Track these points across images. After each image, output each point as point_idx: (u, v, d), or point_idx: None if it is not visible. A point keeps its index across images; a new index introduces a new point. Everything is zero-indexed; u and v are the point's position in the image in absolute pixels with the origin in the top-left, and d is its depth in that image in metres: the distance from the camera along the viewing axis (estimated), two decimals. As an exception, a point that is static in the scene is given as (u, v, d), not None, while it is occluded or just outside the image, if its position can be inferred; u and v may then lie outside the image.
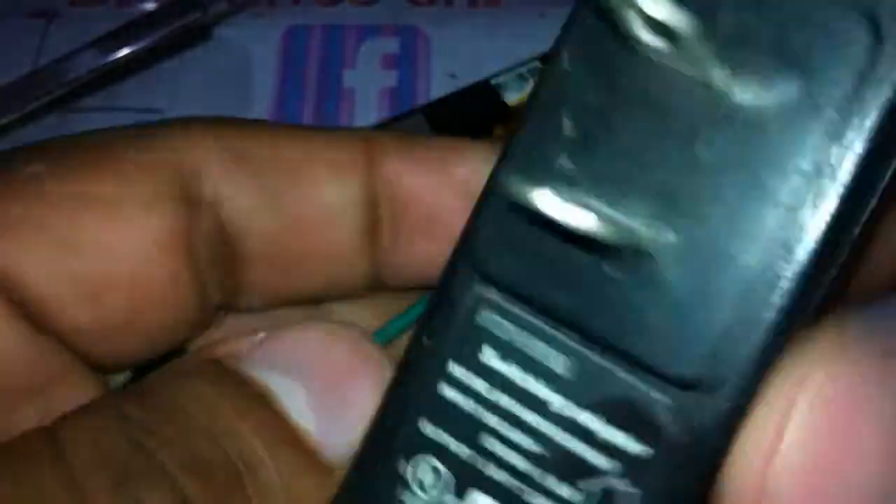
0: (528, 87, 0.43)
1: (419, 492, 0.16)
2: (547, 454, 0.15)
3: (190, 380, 0.18)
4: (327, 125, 0.46)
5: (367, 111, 0.46)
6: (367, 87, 0.47)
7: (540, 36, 0.47)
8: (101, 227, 0.19)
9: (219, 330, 0.21)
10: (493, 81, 0.43)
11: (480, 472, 0.16)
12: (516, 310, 0.16)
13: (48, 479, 0.16)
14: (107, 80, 0.46)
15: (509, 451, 0.16)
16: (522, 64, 0.44)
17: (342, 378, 0.19)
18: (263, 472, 0.17)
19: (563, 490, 0.15)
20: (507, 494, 0.16)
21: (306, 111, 0.46)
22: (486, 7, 0.50)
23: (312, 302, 0.22)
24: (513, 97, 0.43)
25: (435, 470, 0.16)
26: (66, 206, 0.19)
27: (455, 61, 0.48)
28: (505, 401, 0.16)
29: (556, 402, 0.15)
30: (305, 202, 0.20)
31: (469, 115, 0.43)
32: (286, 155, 0.20)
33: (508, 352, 0.16)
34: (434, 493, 0.16)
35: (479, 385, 0.16)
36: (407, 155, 0.21)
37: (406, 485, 0.16)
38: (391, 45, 0.48)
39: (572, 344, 0.15)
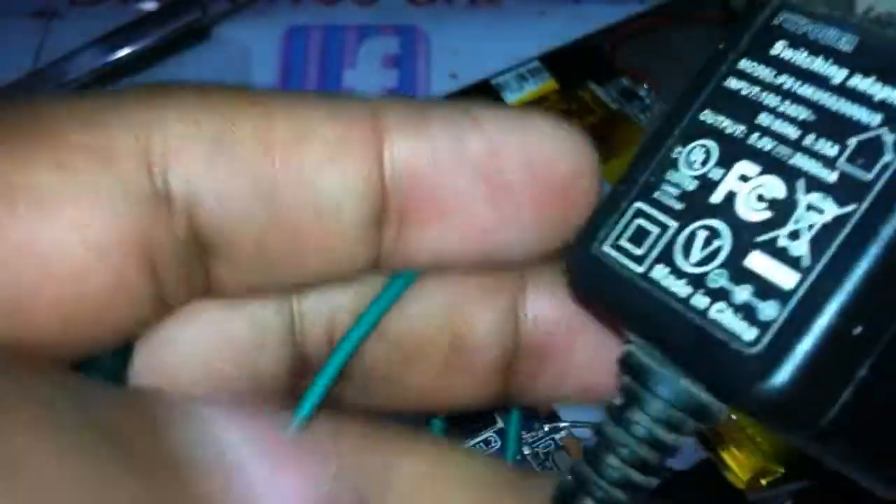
0: (528, 86, 0.43)
1: (686, 169, 0.19)
2: (819, 121, 0.18)
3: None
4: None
5: (367, 111, 0.46)
6: (367, 87, 0.47)
7: (540, 36, 0.47)
8: (30, 227, 0.16)
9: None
10: (493, 81, 0.43)
11: (750, 146, 0.18)
12: (812, 5, 0.19)
13: None
14: (107, 80, 0.46)
15: (783, 123, 0.18)
16: (522, 64, 0.44)
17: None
18: None
19: (828, 148, 0.17)
20: (771, 159, 0.18)
21: (306, 111, 0.46)
22: (486, 7, 0.50)
23: (300, 291, 0.19)
24: (513, 97, 0.43)
25: (706, 150, 0.19)
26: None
27: (455, 61, 0.48)
28: (788, 82, 0.18)
29: (839, 75, 0.18)
30: (299, 194, 0.17)
31: (469, 115, 0.43)
32: (277, 135, 0.17)
33: (799, 40, 0.19)
34: (702, 168, 0.19)
35: (765, 73, 0.19)
36: (418, 129, 0.18)
37: (676, 165, 0.19)
38: (391, 45, 0.49)
39: (858, 22, 0.18)
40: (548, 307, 0.20)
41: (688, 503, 0.32)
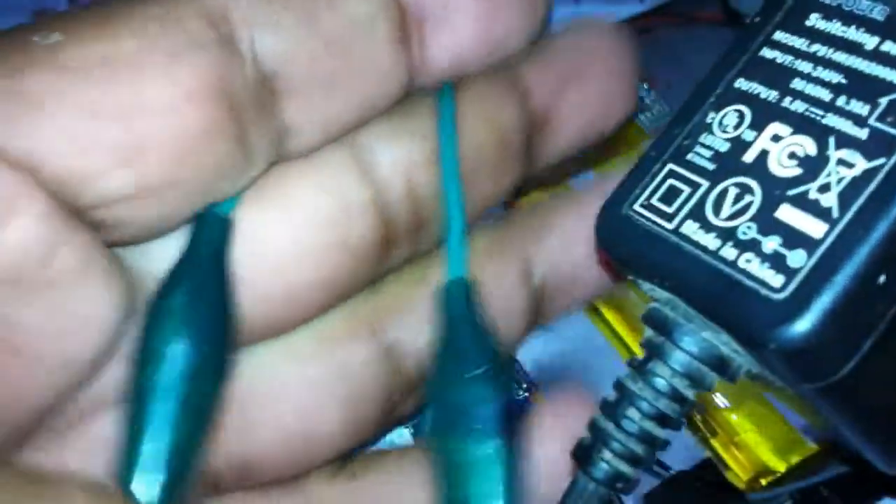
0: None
1: (720, 133, 0.20)
2: (851, 83, 0.19)
3: None
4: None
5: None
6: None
7: (540, 36, 0.47)
8: (127, 90, 0.18)
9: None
10: (493, 81, 0.43)
11: (783, 109, 0.20)
12: None
13: None
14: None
15: (816, 87, 0.19)
16: (522, 64, 0.44)
17: None
18: None
19: (859, 108, 0.19)
20: (803, 120, 0.19)
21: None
22: (486, 7, 0.50)
23: (359, 124, 0.21)
24: (513, 97, 0.43)
25: (740, 114, 0.20)
26: (89, 72, 0.18)
27: (455, 61, 0.48)
28: (822, 50, 0.20)
29: (871, 42, 0.19)
30: (335, 19, 0.20)
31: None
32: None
33: (833, 12, 0.20)
34: (735, 131, 0.20)
35: (799, 42, 0.20)
36: None
37: (709, 129, 0.20)
38: (391, 45, 0.48)
39: None
40: (542, 79, 0.23)
41: (688, 503, 0.32)
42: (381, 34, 0.20)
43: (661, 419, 0.20)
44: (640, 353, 0.35)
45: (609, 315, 0.36)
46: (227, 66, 0.19)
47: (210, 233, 0.20)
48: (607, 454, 0.20)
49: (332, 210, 0.21)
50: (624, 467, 0.20)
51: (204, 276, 0.20)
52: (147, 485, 0.19)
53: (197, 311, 0.20)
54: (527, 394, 0.34)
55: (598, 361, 0.36)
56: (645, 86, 0.43)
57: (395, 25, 0.20)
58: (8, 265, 0.17)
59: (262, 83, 0.19)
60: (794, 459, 0.32)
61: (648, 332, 0.21)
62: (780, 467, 0.32)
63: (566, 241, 0.24)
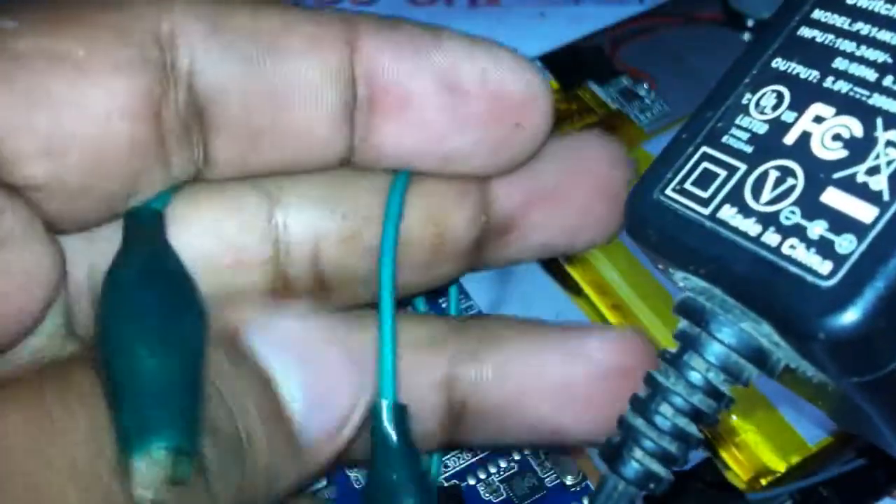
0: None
1: (757, 114, 0.19)
2: None
3: (215, 351, 0.19)
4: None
5: (367, 111, 0.46)
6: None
7: (540, 36, 0.47)
8: (67, 86, 0.19)
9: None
10: (493, 81, 0.43)
11: (825, 89, 0.19)
12: None
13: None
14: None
15: (860, 66, 0.19)
16: (522, 64, 0.44)
17: (331, 376, 0.21)
18: (258, 445, 0.19)
19: None
20: (847, 100, 0.18)
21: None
22: (486, 7, 0.50)
23: (283, 174, 0.22)
24: (513, 97, 0.43)
25: (778, 94, 0.19)
26: (36, 62, 0.19)
27: (455, 61, 0.48)
28: (865, 28, 0.19)
29: None
30: (282, 74, 0.20)
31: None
32: (264, 25, 0.20)
33: None
34: (773, 113, 0.19)
35: (840, 21, 0.19)
36: (387, 37, 0.21)
37: (745, 110, 0.19)
38: (391, 45, 0.48)
39: None
40: (510, 190, 0.23)
41: (688, 503, 0.32)
42: (326, 105, 0.21)
43: (696, 415, 0.19)
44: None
45: (609, 314, 0.36)
46: (163, 89, 0.19)
47: (142, 227, 0.20)
48: (638, 453, 0.19)
49: (231, 235, 0.21)
50: (656, 466, 0.19)
51: (142, 265, 0.20)
52: (151, 455, 0.18)
53: (144, 290, 0.20)
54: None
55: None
56: (645, 86, 0.43)
57: (342, 101, 0.21)
58: None
59: (193, 113, 0.20)
60: (794, 459, 0.32)
61: (682, 323, 0.20)
62: (780, 467, 0.32)
63: (503, 371, 0.23)
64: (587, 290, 0.37)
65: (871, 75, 0.18)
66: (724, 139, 0.20)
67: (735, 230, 0.18)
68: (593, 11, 0.48)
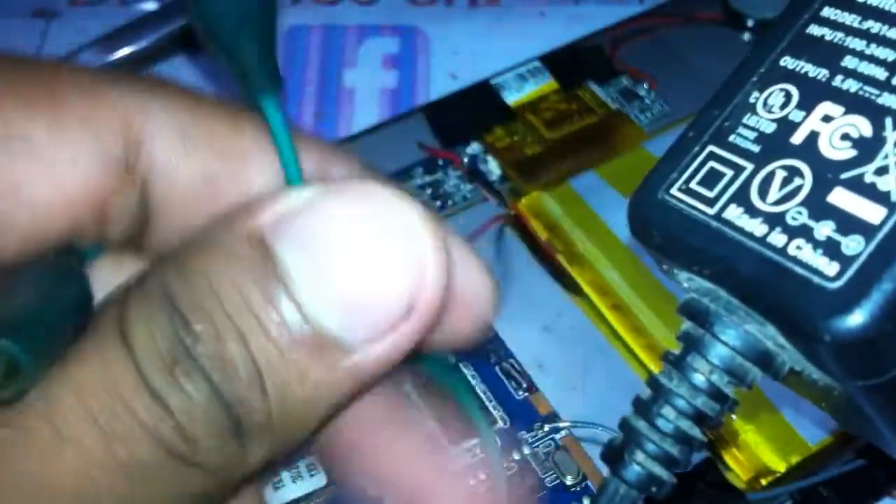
0: (528, 87, 0.43)
1: (765, 113, 0.19)
2: None
3: (226, 259, 0.18)
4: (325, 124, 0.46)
5: (367, 111, 0.46)
6: (367, 87, 0.47)
7: (540, 36, 0.47)
8: (20, 168, 0.19)
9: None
10: (493, 81, 0.43)
11: (833, 88, 0.19)
12: None
13: (123, 371, 0.17)
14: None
15: (870, 65, 0.18)
16: (522, 64, 0.44)
17: (372, 261, 0.18)
18: (282, 370, 0.18)
19: None
20: (856, 99, 0.18)
21: (306, 111, 0.46)
22: (486, 7, 0.50)
23: None
24: (513, 97, 0.43)
25: (786, 93, 0.19)
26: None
27: (455, 61, 0.48)
28: (875, 26, 0.19)
29: None
30: (238, 190, 0.20)
31: (469, 115, 0.43)
32: (234, 147, 0.20)
33: None
34: (781, 111, 0.19)
35: (850, 19, 0.19)
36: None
37: (753, 109, 0.19)
38: (391, 45, 0.48)
39: None
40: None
41: (687, 503, 0.32)
42: None
43: (699, 418, 0.19)
44: (639, 352, 0.35)
45: (609, 315, 0.36)
46: (116, 186, 0.20)
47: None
48: (640, 455, 0.19)
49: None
50: (658, 469, 0.19)
51: None
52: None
53: None
54: (526, 393, 0.34)
55: (598, 361, 0.36)
56: (645, 86, 0.43)
57: None
58: None
59: (140, 210, 0.20)
60: (794, 459, 0.32)
61: (686, 325, 0.19)
62: (780, 467, 0.32)
63: None
64: (587, 290, 0.37)
65: (881, 74, 0.18)
66: (731, 138, 0.19)
67: (741, 230, 0.18)
68: (593, 11, 0.48)
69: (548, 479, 0.32)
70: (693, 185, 0.19)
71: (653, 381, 0.19)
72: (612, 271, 0.37)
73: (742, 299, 0.18)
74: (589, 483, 0.32)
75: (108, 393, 0.17)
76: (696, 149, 0.20)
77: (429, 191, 0.41)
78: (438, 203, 0.40)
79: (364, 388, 0.19)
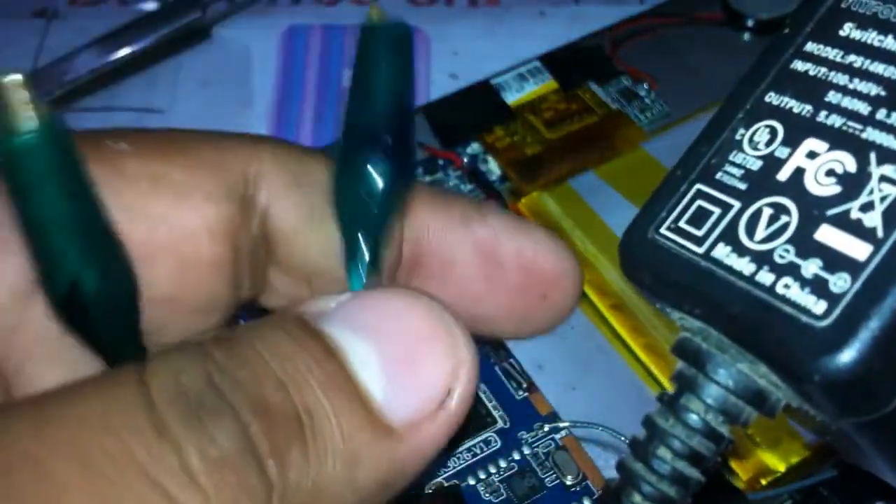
0: (528, 86, 0.43)
1: (751, 150, 0.19)
2: (891, 95, 0.18)
3: (271, 330, 0.19)
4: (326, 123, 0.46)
5: (367, 111, 0.46)
6: (367, 87, 0.47)
7: (540, 36, 0.47)
8: (166, 205, 0.21)
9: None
10: (493, 81, 0.43)
11: (818, 123, 0.18)
12: None
13: (131, 405, 0.17)
14: (107, 80, 0.46)
15: (853, 100, 0.18)
16: (522, 64, 0.44)
17: (416, 346, 0.19)
18: (324, 424, 0.18)
19: None
20: (840, 135, 0.18)
21: (306, 111, 0.46)
22: (486, 7, 0.50)
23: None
24: (513, 97, 0.43)
25: (772, 130, 0.19)
26: (141, 182, 0.21)
27: (455, 62, 0.48)
28: (858, 61, 0.19)
29: None
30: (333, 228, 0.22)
31: (469, 115, 0.43)
32: (324, 180, 0.23)
33: (868, 21, 0.19)
34: (767, 148, 0.19)
35: (833, 53, 0.19)
36: (439, 207, 0.24)
37: (739, 146, 0.19)
38: (391, 45, 0.48)
39: None
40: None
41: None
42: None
43: (695, 458, 0.19)
44: (639, 352, 0.35)
45: (609, 314, 0.36)
46: (242, 219, 0.22)
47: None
48: (637, 497, 0.19)
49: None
50: None
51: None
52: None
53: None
54: (526, 393, 0.34)
55: (598, 361, 0.36)
56: (645, 86, 0.43)
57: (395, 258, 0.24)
58: None
59: (262, 245, 0.23)
60: (794, 459, 0.32)
61: (679, 365, 0.19)
62: (780, 467, 0.32)
63: None
64: (587, 290, 0.37)
65: (864, 108, 0.18)
66: (718, 176, 0.19)
67: (729, 269, 0.18)
68: (593, 11, 0.48)
69: (548, 479, 0.32)
70: (682, 223, 0.19)
71: (648, 422, 0.19)
72: (612, 271, 0.37)
73: (733, 339, 0.18)
74: (589, 483, 0.32)
75: (106, 434, 0.16)
76: (684, 187, 0.20)
77: (429, 191, 0.41)
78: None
79: (396, 477, 0.19)
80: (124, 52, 0.45)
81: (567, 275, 0.25)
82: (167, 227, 0.21)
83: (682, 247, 0.19)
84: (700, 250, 0.19)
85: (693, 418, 0.19)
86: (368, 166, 0.20)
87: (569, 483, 0.32)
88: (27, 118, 0.16)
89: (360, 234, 0.21)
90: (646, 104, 0.43)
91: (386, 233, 0.22)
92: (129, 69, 0.47)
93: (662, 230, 0.19)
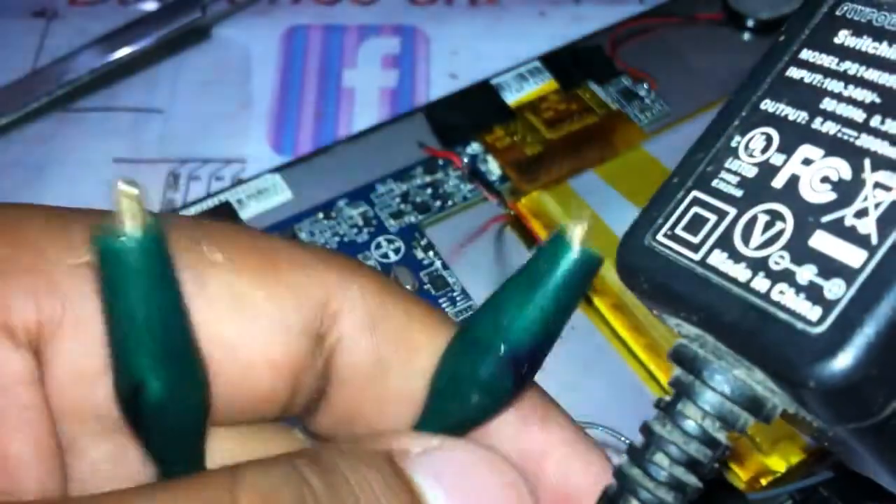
0: (528, 87, 0.43)
1: (746, 157, 0.19)
2: (886, 102, 0.18)
3: (364, 466, 0.19)
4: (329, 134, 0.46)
5: (367, 111, 0.46)
6: (367, 87, 0.47)
7: (540, 36, 0.47)
8: (238, 331, 0.21)
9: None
10: (493, 81, 0.43)
11: (813, 130, 0.18)
12: None
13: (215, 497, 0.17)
14: (107, 79, 0.46)
15: (848, 106, 0.18)
16: (522, 64, 0.44)
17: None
18: None
19: (895, 127, 0.18)
20: (835, 141, 0.18)
21: (306, 111, 0.46)
22: (486, 7, 0.50)
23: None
24: (513, 97, 0.43)
25: (767, 137, 0.19)
26: (222, 301, 0.21)
27: (455, 61, 0.48)
28: (853, 68, 0.19)
29: None
30: (405, 377, 0.22)
31: (469, 115, 0.43)
32: (414, 335, 0.22)
33: (863, 28, 0.19)
34: (762, 155, 0.19)
35: (828, 60, 0.19)
36: (579, 452, 0.22)
37: (735, 153, 0.19)
38: (391, 45, 0.49)
39: None
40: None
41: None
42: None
43: (692, 464, 0.19)
44: (639, 352, 0.35)
45: (609, 314, 0.36)
46: (308, 352, 0.21)
47: None
48: (633, 503, 0.19)
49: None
50: None
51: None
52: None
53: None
54: (526, 393, 0.34)
55: (598, 361, 0.36)
56: (645, 86, 0.43)
57: None
58: None
59: (324, 377, 0.22)
60: (794, 459, 0.32)
61: (676, 371, 0.19)
62: (780, 467, 0.32)
63: None
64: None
65: (858, 115, 0.18)
66: (714, 183, 0.19)
67: (725, 276, 0.18)
68: (593, 11, 0.48)
69: (548, 479, 0.32)
70: (678, 230, 0.19)
71: (645, 428, 0.19)
72: (611, 271, 0.37)
73: (728, 345, 0.18)
74: (589, 483, 0.32)
75: None
76: (681, 194, 0.20)
77: (429, 191, 0.41)
78: (438, 203, 0.40)
79: None
80: (124, 52, 0.45)
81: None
82: (233, 354, 0.21)
83: (679, 253, 0.19)
84: (696, 257, 0.19)
85: (690, 425, 0.19)
86: (494, 377, 0.20)
87: (569, 483, 0.32)
88: (132, 227, 0.17)
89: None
90: (646, 104, 0.43)
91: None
92: (129, 69, 0.47)
93: (659, 237, 0.20)
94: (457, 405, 0.21)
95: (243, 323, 0.21)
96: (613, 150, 0.41)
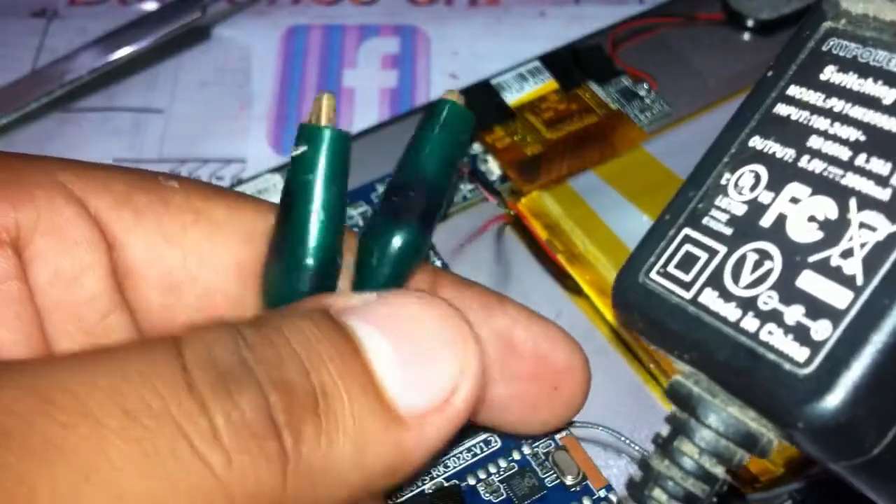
0: (528, 87, 0.43)
1: (735, 195, 0.19)
2: (871, 141, 0.18)
3: (299, 318, 0.20)
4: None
5: (367, 111, 0.46)
6: (367, 87, 0.47)
7: (540, 36, 0.47)
8: (201, 239, 0.23)
9: None
10: (493, 81, 0.43)
11: (800, 169, 0.19)
12: (860, 31, 0.19)
13: (168, 366, 0.18)
14: (107, 79, 0.46)
15: (834, 144, 0.18)
16: (522, 64, 0.44)
17: (429, 345, 0.21)
18: (337, 405, 0.19)
19: (880, 167, 0.18)
20: (822, 180, 0.18)
21: (306, 111, 0.46)
22: (486, 7, 0.50)
23: None
24: (513, 97, 0.43)
25: (756, 175, 0.19)
26: (184, 214, 0.24)
27: (455, 61, 0.48)
28: (839, 105, 0.19)
29: (890, 95, 0.18)
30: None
31: (469, 114, 0.42)
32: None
33: (848, 64, 0.19)
34: (751, 193, 0.19)
35: (815, 97, 0.19)
36: (460, 292, 0.27)
37: (725, 191, 0.19)
38: (391, 45, 0.49)
39: None
40: None
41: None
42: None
43: (690, 500, 0.19)
44: (640, 352, 0.35)
45: (609, 315, 0.36)
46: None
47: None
48: None
49: None
50: None
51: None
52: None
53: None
54: (526, 393, 0.34)
55: (598, 361, 0.36)
56: (645, 86, 0.43)
57: None
58: None
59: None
60: (794, 459, 0.32)
61: (673, 408, 0.20)
62: (780, 467, 0.32)
63: None
64: (587, 290, 0.37)
65: (844, 154, 0.18)
66: (705, 221, 0.19)
67: (716, 315, 0.18)
68: (593, 11, 0.48)
69: (548, 479, 0.32)
70: (670, 268, 0.20)
71: (643, 464, 0.20)
72: (612, 271, 0.37)
73: (720, 384, 0.18)
74: (589, 483, 0.32)
75: (145, 387, 0.18)
76: (673, 231, 0.20)
77: (429, 191, 0.41)
78: (438, 203, 0.40)
79: (401, 464, 0.20)
80: (124, 52, 0.45)
81: (579, 369, 0.27)
82: (198, 259, 0.23)
83: (671, 292, 0.19)
84: (688, 295, 0.19)
85: (687, 461, 0.19)
86: (394, 233, 0.23)
87: (569, 483, 0.32)
88: (329, 121, 0.24)
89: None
90: (646, 104, 0.43)
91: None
92: (129, 69, 0.47)
93: (652, 274, 0.20)
94: (378, 253, 0.24)
95: (205, 233, 0.24)
96: (613, 150, 0.41)
